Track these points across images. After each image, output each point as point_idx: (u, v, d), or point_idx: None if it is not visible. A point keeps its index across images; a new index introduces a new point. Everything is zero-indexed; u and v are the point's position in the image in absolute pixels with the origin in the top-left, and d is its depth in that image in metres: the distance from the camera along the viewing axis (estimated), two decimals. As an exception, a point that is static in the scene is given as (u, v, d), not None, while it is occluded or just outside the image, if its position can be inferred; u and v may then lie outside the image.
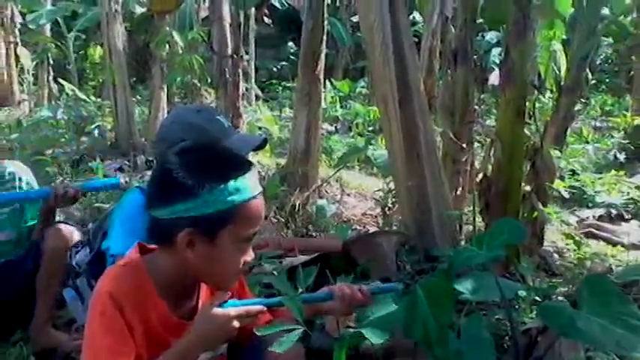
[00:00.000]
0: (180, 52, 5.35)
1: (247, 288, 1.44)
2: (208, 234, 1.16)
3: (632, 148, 5.32)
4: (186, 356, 1.18)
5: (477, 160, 3.01)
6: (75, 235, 2.10)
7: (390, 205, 3.04)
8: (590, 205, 4.76)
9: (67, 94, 8.44)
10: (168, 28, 5.17)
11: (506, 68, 2.19)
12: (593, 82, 11.73)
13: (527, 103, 2.28)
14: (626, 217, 4.51)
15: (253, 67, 12.44)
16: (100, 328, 1.15)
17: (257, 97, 12.08)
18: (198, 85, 5.31)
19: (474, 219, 2.43)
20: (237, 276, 1.27)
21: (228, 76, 4.26)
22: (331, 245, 2.12)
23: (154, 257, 1.24)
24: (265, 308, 1.27)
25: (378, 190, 3.31)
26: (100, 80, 9.38)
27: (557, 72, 9.78)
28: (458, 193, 2.79)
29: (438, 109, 3.02)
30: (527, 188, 2.24)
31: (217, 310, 1.18)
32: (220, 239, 1.16)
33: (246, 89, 12.49)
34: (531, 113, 2.41)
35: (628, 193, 4.76)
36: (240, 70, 4.30)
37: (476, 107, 2.99)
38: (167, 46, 5.59)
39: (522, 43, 2.18)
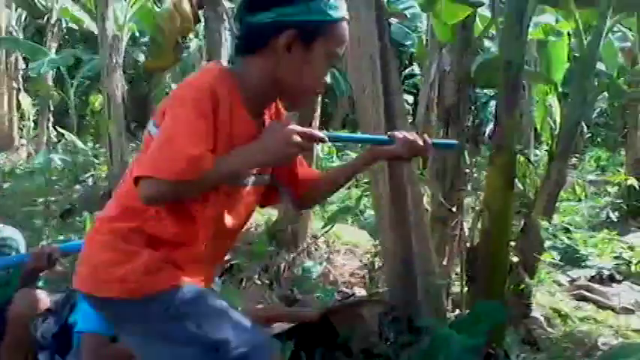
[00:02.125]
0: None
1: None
2: (306, 40, 1.25)
3: (625, 207, 5.33)
4: (248, 159, 1.24)
5: (468, 223, 3.00)
6: (43, 302, 2.02)
7: (377, 268, 3.01)
8: (582, 264, 4.75)
9: (66, 139, 8.52)
10: (168, 80, 5.23)
11: (496, 137, 2.20)
12: (589, 135, 11.86)
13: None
14: (618, 278, 4.49)
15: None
16: (191, 110, 1.18)
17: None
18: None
19: (462, 290, 2.40)
20: (315, 93, 1.38)
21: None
22: (308, 316, 2.09)
23: (242, 66, 1.30)
24: (327, 138, 1.31)
25: (367, 253, 3.29)
26: (100, 128, 9.46)
27: (553, 126, 9.94)
28: (446, 259, 2.76)
29: (428, 170, 3.02)
30: (515, 259, 2.22)
31: (284, 124, 1.25)
32: (315, 49, 1.26)
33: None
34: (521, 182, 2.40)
35: (620, 253, 4.74)
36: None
37: (467, 170, 2.99)
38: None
39: (512, 113, 2.20)
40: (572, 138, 2.36)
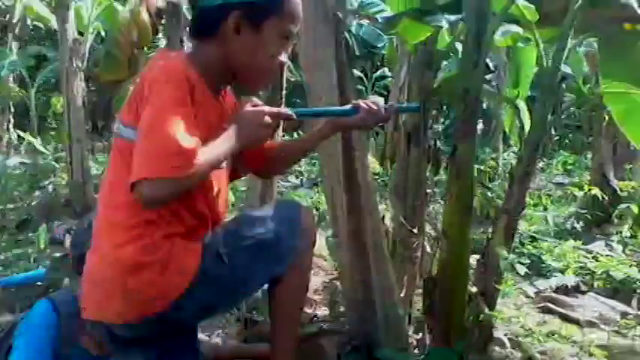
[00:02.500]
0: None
1: None
2: (255, 21, 1.26)
3: (589, 217, 5.36)
4: (230, 145, 1.27)
5: (430, 243, 2.94)
6: None
7: (338, 291, 2.94)
8: (547, 275, 4.76)
9: (29, 143, 8.26)
10: (130, 88, 5.06)
11: (454, 164, 2.15)
12: (557, 137, 11.99)
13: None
14: (583, 288, 4.51)
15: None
16: (173, 101, 1.19)
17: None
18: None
19: (425, 320, 2.34)
20: (270, 73, 1.36)
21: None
22: (263, 353, 2.01)
23: (196, 52, 1.33)
24: (294, 115, 1.38)
25: (333, 269, 3.21)
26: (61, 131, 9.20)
27: (522, 129, 10.01)
28: (405, 288, 2.70)
29: (390, 190, 2.96)
30: (474, 289, 2.17)
31: (253, 108, 1.30)
32: (265, 29, 1.27)
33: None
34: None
35: (585, 264, 4.76)
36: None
37: (429, 190, 2.93)
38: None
39: (469, 140, 2.14)
40: (537, 149, 2.32)
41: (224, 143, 1.28)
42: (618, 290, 4.41)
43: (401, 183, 2.94)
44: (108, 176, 1.38)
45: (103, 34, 7.52)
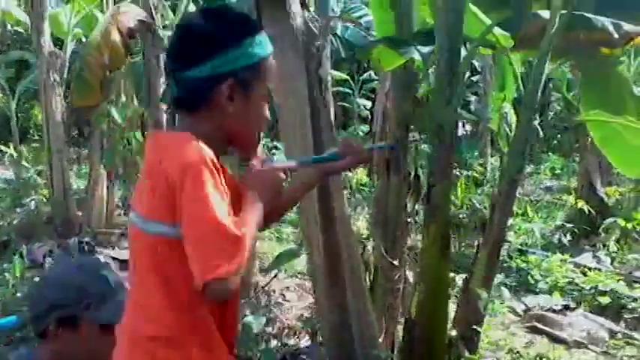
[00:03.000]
0: (120, 126, 5.13)
1: None
2: (245, 87, 1.24)
3: (576, 231, 5.31)
4: (257, 216, 1.23)
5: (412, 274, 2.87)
6: None
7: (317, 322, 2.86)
8: (536, 291, 4.71)
9: (12, 155, 8.14)
10: (107, 104, 4.96)
11: (430, 205, 2.07)
12: (545, 139, 11.92)
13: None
14: (572, 305, 4.46)
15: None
16: (210, 189, 1.15)
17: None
18: (139, 163, 5.07)
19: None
20: (260, 132, 1.36)
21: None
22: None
23: (192, 125, 1.26)
24: (297, 165, 1.46)
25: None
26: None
27: (509, 132, 9.96)
28: (389, 315, 2.63)
29: (370, 220, 2.88)
30: (454, 333, 2.09)
31: (265, 168, 1.31)
32: (253, 92, 1.26)
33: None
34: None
35: (573, 279, 4.71)
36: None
37: (409, 220, 2.85)
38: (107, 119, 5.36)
39: (445, 178, 2.06)
40: (515, 183, 2.25)
41: (254, 211, 1.24)
42: (607, 307, 4.36)
43: (381, 212, 2.87)
44: (137, 273, 1.29)
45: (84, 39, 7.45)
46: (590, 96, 2.54)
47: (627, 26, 2.41)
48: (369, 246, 2.89)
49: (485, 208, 6.36)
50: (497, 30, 2.23)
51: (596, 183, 5.84)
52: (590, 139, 5.85)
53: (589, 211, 5.10)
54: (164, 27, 4.06)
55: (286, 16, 2.30)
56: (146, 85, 4.13)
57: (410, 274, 2.91)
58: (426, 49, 2.13)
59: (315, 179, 1.57)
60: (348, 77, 11.36)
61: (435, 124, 1.98)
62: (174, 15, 4.18)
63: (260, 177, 1.29)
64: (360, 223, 3.97)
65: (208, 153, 1.19)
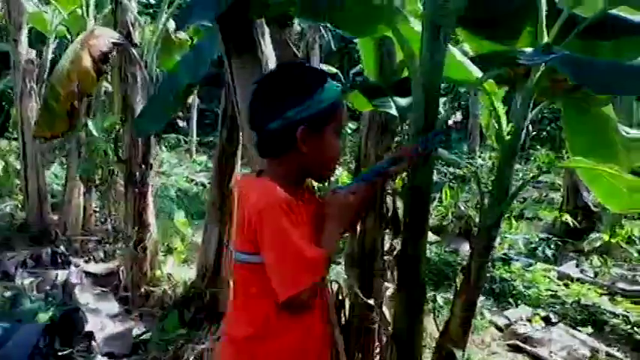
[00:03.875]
0: (97, 138, 4.98)
1: None
2: (317, 129, 1.44)
3: (560, 244, 5.26)
4: (334, 234, 1.48)
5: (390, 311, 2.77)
6: None
7: None
8: (518, 302, 4.67)
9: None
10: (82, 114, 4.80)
11: (403, 269, 1.97)
12: (534, 132, 11.87)
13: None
14: (554, 320, 4.42)
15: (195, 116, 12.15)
16: (286, 222, 1.39)
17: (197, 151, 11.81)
18: (116, 174, 4.94)
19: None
20: (337, 162, 1.56)
21: (136, 185, 3.94)
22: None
23: (274, 168, 1.51)
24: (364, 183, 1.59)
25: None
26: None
27: (499, 129, 9.88)
28: (365, 356, 2.55)
29: (344, 258, 2.78)
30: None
31: (339, 194, 1.51)
32: (326, 132, 1.46)
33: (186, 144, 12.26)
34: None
35: (556, 292, 4.67)
36: (148, 179, 3.98)
37: (386, 257, 2.76)
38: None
39: (419, 244, 1.96)
40: (500, 208, 2.19)
41: (331, 234, 1.47)
42: (589, 321, 4.33)
43: (356, 250, 2.77)
44: (237, 296, 1.58)
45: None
46: (576, 138, 2.45)
47: (613, 67, 2.31)
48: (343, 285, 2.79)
49: (470, 208, 6.32)
50: (480, 74, 2.12)
51: (581, 188, 5.79)
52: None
53: (574, 224, 5.03)
54: (140, 44, 3.90)
55: (258, 62, 2.19)
56: (122, 102, 3.99)
57: (387, 312, 2.82)
58: (404, 101, 2.02)
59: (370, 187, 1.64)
60: (337, 71, 11.21)
61: (410, 184, 1.87)
62: (152, 34, 4.00)
63: (335, 203, 1.49)
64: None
65: (282, 195, 1.42)
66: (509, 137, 2.26)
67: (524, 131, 2.26)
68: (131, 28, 3.92)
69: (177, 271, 4.38)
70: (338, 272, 3.15)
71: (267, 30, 2.28)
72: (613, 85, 1.44)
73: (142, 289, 3.98)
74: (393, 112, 2.03)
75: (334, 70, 11.12)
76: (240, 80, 2.23)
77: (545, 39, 2.22)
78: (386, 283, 2.85)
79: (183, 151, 12.24)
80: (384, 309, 2.81)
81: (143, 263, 4.00)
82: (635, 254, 5.27)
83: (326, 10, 1.97)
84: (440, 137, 1.78)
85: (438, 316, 3.38)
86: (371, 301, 2.69)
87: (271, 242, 1.40)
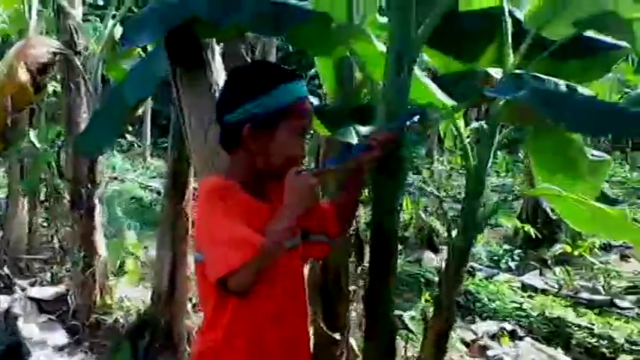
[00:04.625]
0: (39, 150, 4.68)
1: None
2: (267, 127, 1.43)
3: (523, 255, 5.24)
4: (290, 214, 1.39)
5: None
6: None
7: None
8: (483, 315, 4.61)
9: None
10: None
11: (369, 308, 1.83)
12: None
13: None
14: (520, 334, 4.38)
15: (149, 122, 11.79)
16: (219, 210, 1.37)
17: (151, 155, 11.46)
18: (62, 189, 4.65)
19: None
20: (294, 163, 1.47)
21: (82, 205, 3.69)
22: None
23: (231, 162, 1.52)
24: (333, 167, 1.63)
25: None
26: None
27: (457, 133, 9.88)
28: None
29: (308, 287, 2.62)
30: None
31: (297, 175, 1.41)
32: (277, 130, 1.44)
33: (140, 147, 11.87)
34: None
35: (521, 304, 4.63)
36: (95, 199, 3.74)
37: (352, 287, 2.62)
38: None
39: (387, 279, 1.82)
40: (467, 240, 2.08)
41: (284, 215, 1.39)
42: (554, 334, 4.30)
43: (319, 279, 2.62)
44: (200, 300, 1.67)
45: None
46: (542, 160, 2.36)
47: (582, 90, 2.22)
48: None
49: (432, 216, 6.27)
50: (447, 100, 1.99)
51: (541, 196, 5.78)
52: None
53: (535, 235, 5.00)
54: (84, 51, 3.64)
55: (206, 80, 2.01)
56: (66, 114, 3.73)
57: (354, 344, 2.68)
58: (366, 130, 1.87)
59: (359, 172, 1.66)
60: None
61: (373, 224, 1.73)
62: (96, 43, 3.75)
63: (290, 183, 1.40)
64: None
65: (218, 183, 1.44)
66: (475, 164, 2.14)
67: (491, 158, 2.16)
68: (75, 35, 3.67)
69: (132, 293, 4.15)
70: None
71: (217, 47, 2.11)
72: (589, 126, 1.32)
73: (92, 318, 3.73)
74: (354, 141, 1.89)
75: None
76: (187, 100, 2.06)
77: (511, 59, 2.13)
78: (353, 312, 2.72)
79: (136, 155, 11.87)
80: (351, 340, 2.68)
81: (92, 290, 3.76)
82: (597, 263, 5.29)
83: (282, 28, 1.80)
84: (413, 120, 1.69)
85: (407, 342, 3.26)
86: (337, 335, 2.55)
87: (203, 227, 1.42)
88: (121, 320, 3.70)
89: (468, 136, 2.18)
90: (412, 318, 4.06)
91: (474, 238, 2.23)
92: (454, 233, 2.29)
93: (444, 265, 2.25)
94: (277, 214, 1.40)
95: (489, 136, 2.14)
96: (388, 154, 1.61)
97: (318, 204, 1.64)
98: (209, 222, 1.40)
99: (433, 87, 2.04)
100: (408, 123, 1.63)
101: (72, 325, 3.84)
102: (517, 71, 2.14)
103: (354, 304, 2.68)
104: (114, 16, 3.83)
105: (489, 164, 2.18)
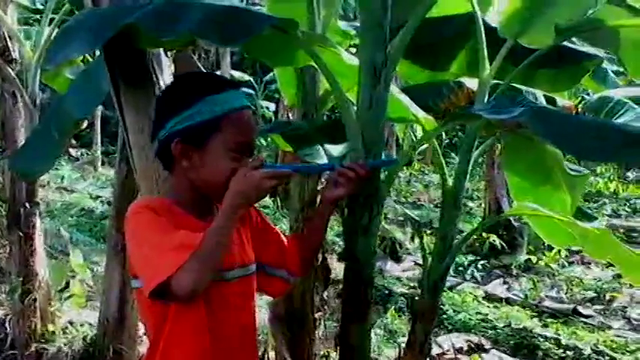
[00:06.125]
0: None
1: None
2: (197, 143, 1.31)
3: (487, 265, 5.16)
4: (228, 210, 1.26)
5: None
6: None
7: None
8: (450, 327, 4.50)
9: None
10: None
11: (344, 349, 1.65)
12: (446, 141, 11.82)
13: None
14: (486, 346, 4.29)
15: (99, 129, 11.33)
16: (145, 223, 1.28)
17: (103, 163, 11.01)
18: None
19: None
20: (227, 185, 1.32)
21: (19, 228, 3.39)
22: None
23: (166, 185, 1.52)
24: (293, 172, 1.46)
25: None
26: None
27: (414, 139, 9.80)
28: None
29: (270, 317, 2.43)
30: None
31: (250, 171, 1.27)
32: (209, 147, 1.31)
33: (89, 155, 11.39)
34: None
35: (487, 315, 4.55)
36: (35, 220, 3.43)
37: (317, 315, 2.43)
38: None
39: (364, 317, 1.65)
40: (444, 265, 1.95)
41: (222, 215, 1.27)
42: (521, 345, 4.23)
43: (282, 307, 2.43)
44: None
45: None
46: (517, 174, 2.25)
47: (563, 101, 2.10)
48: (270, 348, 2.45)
49: (394, 226, 6.16)
50: (421, 114, 1.83)
51: (503, 203, 5.74)
52: (497, 155, 5.74)
53: (501, 245, 4.93)
54: (19, 59, 3.34)
55: (151, 92, 1.79)
56: (0, 128, 3.42)
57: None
58: (337, 149, 1.69)
59: (327, 212, 1.54)
60: (250, 78, 10.77)
61: (347, 255, 1.55)
62: (32, 50, 3.45)
63: (241, 180, 1.26)
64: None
65: (150, 203, 1.37)
66: (452, 186, 1.98)
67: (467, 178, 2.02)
68: (8, 43, 3.36)
69: (78, 318, 3.85)
70: (263, 331, 2.78)
71: (163, 57, 1.89)
72: (595, 151, 1.17)
73: (32, 347, 3.42)
74: (324, 162, 1.70)
75: (246, 77, 10.74)
76: (130, 116, 1.84)
77: (487, 69, 1.98)
78: (317, 344, 2.53)
79: (86, 164, 11.38)
80: (315, 371, 2.50)
81: (32, 317, 3.45)
82: (560, 271, 5.27)
83: (237, 39, 1.60)
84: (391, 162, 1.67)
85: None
86: (300, 366, 2.36)
87: (135, 247, 1.30)
88: (65, 349, 3.41)
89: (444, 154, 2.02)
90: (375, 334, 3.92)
91: (449, 263, 2.07)
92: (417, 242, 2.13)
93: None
94: (219, 214, 1.28)
95: (467, 150, 1.99)
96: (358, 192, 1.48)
97: (277, 233, 1.55)
98: (140, 237, 1.29)
99: (405, 99, 1.88)
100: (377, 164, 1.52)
101: (10, 355, 3.52)
102: (494, 81, 2.01)
103: (318, 332, 2.49)
104: (51, 21, 3.53)
105: (465, 185, 2.03)
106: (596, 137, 1.13)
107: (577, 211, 2.34)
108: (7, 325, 3.73)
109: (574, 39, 2.18)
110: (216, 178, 1.32)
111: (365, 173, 1.43)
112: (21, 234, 3.38)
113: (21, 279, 3.39)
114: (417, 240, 5.81)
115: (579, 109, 2.32)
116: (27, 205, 3.37)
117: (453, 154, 11.26)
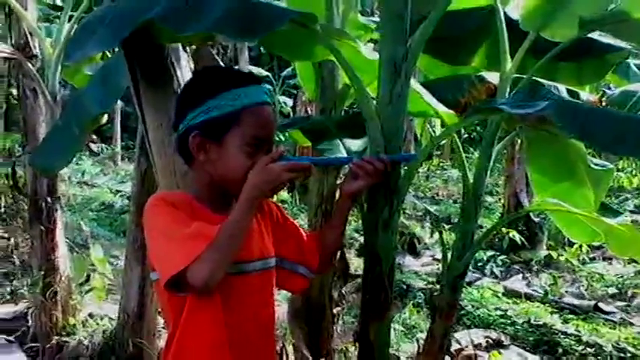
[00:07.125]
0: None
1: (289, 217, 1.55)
2: (215, 137, 1.30)
3: (507, 261, 5.11)
4: (243, 208, 1.25)
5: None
6: None
7: None
8: (469, 323, 4.47)
9: None
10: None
11: (365, 348, 1.64)
12: (465, 135, 11.73)
13: None
14: (506, 342, 4.25)
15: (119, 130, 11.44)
16: (164, 214, 1.28)
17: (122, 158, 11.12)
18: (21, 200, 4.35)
19: None
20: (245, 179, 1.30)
21: (41, 222, 3.42)
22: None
23: (187, 180, 1.52)
24: (312, 165, 1.39)
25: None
26: None
27: (433, 133, 9.73)
28: None
29: (289, 314, 2.43)
30: None
31: (268, 163, 1.25)
32: (228, 141, 1.30)
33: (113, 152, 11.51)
34: None
35: (506, 310, 4.51)
36: (57, 214, 3.47)
37: (335, 310, 2.42)
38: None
39: (385, 314, 1.63)
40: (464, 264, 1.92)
41: (239, 207, 1.26)
42: (541, 342, 4.18)
43: (301, 302, 2.43)
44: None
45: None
46: (540, 169, 2.21)
47: (586, 95, 2.06)
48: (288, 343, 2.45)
49: (413, 222, 6.13)
50: (441, 108, 1.81)
51: (523, 199, 5.68)
52: (518, 149, 5.67)
53: (521, 241, 4.88)
54: (40, 55, 3.37)
55: (170, 89, 1.79)
56: (22, 124, 3.46)
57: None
58: (356, 144, 1.67)
59: (347, 206, 1.52)
60: (268, 73, 10.77)
61: (367, 251, 1.53)
62: (52, 46, 3.47)
63: (260, 171, 1.25)
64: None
65: (170, 199, 1.33)
66: (472, 184, 1.95)
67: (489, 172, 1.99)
68: (29, 39, 3.39)
69: (99, 311, 3.88)
70: (281, 325, 2.78)
71: (182, 53, 1.89)
72: (629, 145, 1.13)
73: (54, 340, 3.47)
74: (343, 155, 1.68)
75: (264, 73, 10.73)
76: (149, 109, 1.85)
77: (509, 63, 1.95)
78: (335, 339, 2.52)
79: (106, 159, 11.49)
80: (334, 366, 2.49)
81: (53, 311, 3.49)
82: (580, 266, 5.20)
83: (257, 33, 1.59)
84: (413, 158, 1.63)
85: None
86: (319, 361, 2.35)
87: (153, 240, 1.29)
88: (86, 342, 3.44)
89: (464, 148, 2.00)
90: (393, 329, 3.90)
91: (469, 260, 2.04)
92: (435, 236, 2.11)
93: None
94: (236, 206, 1.27)
95: (487, 145, 1.96)
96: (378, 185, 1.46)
97: (297, 229, 1.53)
98: (157, 229, 1.29)
99: (426, 94, 1.85)
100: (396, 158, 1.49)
101: (32, 347, 3.57)
102: (515, 75, 1.98)
103: (337, 327, 2.48)
104: (71, 18, 3.55)
105: (486, 181, 2.00)
106: (627, 131, 1.10)
107: (601, 207, 2.30)
108: (29, 317, 3.79)
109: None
110: (234, 172, 1.31)
111: (384, 167, 1.41)
112: (42, 228, 3.43)
113: (42, 272, 3.44)
114: (435, 235, 5.78)
115: (603, 103, 2.27)
116: (48, 199, 3.41)
117: (471, 149, 11.19)
